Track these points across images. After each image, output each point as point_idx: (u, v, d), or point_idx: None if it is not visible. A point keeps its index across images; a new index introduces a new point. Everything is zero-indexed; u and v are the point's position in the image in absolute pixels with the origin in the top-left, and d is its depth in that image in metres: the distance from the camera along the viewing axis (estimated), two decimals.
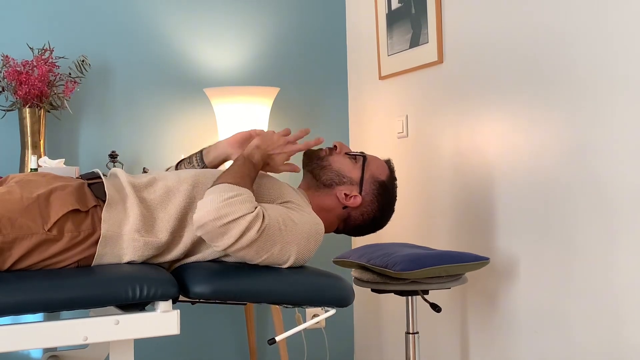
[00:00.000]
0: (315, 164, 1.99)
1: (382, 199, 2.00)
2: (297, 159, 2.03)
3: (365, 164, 2.00)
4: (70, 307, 1.50)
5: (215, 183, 1.71)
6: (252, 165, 1.81)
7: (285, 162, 1.95)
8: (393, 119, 2.96)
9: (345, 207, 1.97)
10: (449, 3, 2.60)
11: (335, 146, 2.03)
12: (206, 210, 1.63)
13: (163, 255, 1.73)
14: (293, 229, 1.72)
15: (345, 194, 1.95)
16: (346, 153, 2.02)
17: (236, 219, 1.62)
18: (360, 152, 2.04)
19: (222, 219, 1.62)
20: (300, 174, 2.05)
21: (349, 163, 1.99)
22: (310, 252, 1.77)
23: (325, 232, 1.97)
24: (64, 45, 2.81)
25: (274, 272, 1.72)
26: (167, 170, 2.06)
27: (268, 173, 1.96)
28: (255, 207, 1.67)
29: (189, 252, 1.76)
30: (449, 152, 2.62)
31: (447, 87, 2.63)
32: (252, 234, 1.64)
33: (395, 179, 2.07)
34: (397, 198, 2.08)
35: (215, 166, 2.04)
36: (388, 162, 2.08)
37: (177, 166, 2.07)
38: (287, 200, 1.81)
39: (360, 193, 1.97)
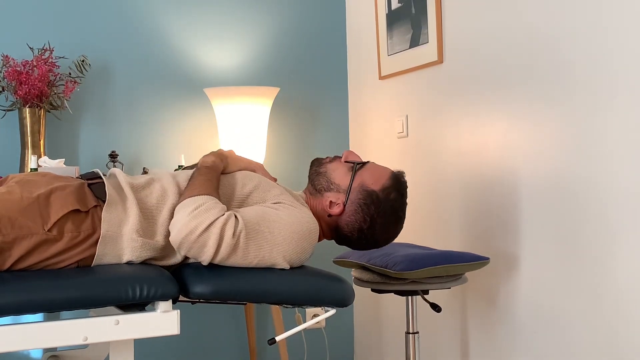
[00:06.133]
0: (313, 169, 1.96)
1: (370, 209, 1.86)
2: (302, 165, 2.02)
3: (358, 172, 1.89)
4: (70, 307, 1.50)
5: (178, 201, 1.70)
6: (207, 170, 1.79)
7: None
8: (393, 119, 2.96)
9: (330, 215, 1.90)
10: (449, 3, 2.60)
11: (343, 154, 1.97)
12: (177, 229, 1.63)
13: (163, 259, 1.73)
14: (280, 229, 1.70)
15: (330, 201, 1.89)
16: (346, 160, 1.94)
17: (207, 227, 1.62)
18: (365, 161, 1.94)
19: (194, 232, 1.61)
20: (303, 179, 2.04)
21: (343, 171, 1.91)
22: (305, 251, 1.75)
23: (321, 239, 1.93)
24: (64, 45, 2.81)
25: (274, 272, 1.71)
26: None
27: (257, 174, 1.95)
28: (224, 211, 1.66)
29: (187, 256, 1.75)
30: (449, 152, 2.62)
31: (447, 87, 2.63)
32: (227, 239, 1.63)
33: (397, 191, 1.90)
34: (400, 212, 1.91)
35: None
36: (396, 175, 1.92)
37: None
38: (278, 202, 1.80)
39: (346, 201, 1.87)
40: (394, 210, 1.90)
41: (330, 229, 1.93)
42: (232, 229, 1.64)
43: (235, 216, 1.67)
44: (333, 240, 1.97)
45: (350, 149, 3.24)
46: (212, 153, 1.89)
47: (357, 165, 1.91)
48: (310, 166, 1.99)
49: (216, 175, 1.81)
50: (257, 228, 1.68)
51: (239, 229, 1.65)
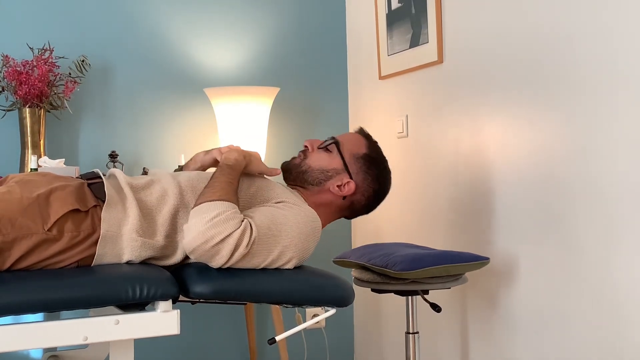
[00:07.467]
0: (295, 173, 1.99)
1: (373, 170, 1.99)
2: None
3: (340, 148, 1.98)
4: (70, 307, 1.50)
5: (196, 202, 1.69)
6: (230, 169, 1.80)
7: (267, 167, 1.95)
8: (393, 119, 2.96)
9: (344, 197, 1.97)
10: (449, 3, 2.60)
11: (306, 147, 2.03)
12: (192, 236, 1.63)
13: (163, 259, 1.73)
14: (288, 231, 1.72)
15: (337, 185, 1.96)
16: (319, 147, 2.01)
17: (223, 239, 1.62)
18: (331, 138, 2.02)
19: (210, 242, 1.62)
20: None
21: (325, 157, 1.98)
22: (309, 251, 1.78)
23: (332, 221, 2.00)
24: (64, 45, 2.80)
25: (274, 272, 1.72)
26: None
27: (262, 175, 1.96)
28: (242, 221, 1.66)
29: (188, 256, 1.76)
30: (449, 152, 2.62)
31: (447, 87, 2.63)
32: (241, 249, 1.64)
33: (375, 142, 2.04)
34: (384, 157, 2.05)
35: None
36: (361, 131, 2.06)
37: None
38: (281, 200, 1.81)
39: (351, 178, 1.96)
40: (383, 159, 2.04)
41: (342, 209, 2.01)
42: (247, 239, 1.65)
43: (251, 226, 1.67)
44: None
45: None
46: (235, 150, 1.89)
47: (336, 143, 1.99)
48: (288, 174, 2.01)
49: (237, 175, 1.81)
50: (268, 233, 1.70)
51: (253, 238, 1.66)
